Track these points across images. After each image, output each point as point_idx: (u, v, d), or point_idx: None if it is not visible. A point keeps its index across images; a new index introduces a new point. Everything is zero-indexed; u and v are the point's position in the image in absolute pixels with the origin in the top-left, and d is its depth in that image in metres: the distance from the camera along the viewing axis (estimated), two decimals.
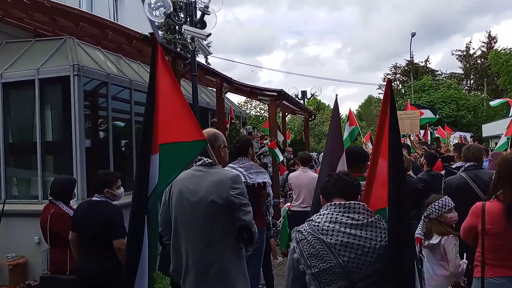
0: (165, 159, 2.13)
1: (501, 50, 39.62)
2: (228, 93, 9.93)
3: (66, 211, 3.98)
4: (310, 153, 14.28)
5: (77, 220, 3.58)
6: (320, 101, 42.34)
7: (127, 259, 2.14)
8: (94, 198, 3.58)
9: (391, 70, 50.05)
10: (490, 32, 48.59)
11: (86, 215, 3.51)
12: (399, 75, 49.41)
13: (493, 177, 2.83)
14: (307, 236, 2.01)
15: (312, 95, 19.14)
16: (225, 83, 8.61)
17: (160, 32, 23.04)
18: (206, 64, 14.80)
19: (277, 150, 8.21)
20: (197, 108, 6.72)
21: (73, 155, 5.98)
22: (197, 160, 2.68)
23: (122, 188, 3.73)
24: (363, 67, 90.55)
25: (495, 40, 46.22)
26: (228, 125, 9.57)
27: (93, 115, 7.05)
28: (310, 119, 16.17)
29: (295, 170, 7.28)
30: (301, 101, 17.14)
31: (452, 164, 5.39)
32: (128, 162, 7.36)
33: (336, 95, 3.30)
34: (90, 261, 3.45)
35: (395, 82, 49.40)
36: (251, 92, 9.83)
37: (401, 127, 8.67)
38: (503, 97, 33.89)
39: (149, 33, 5.75)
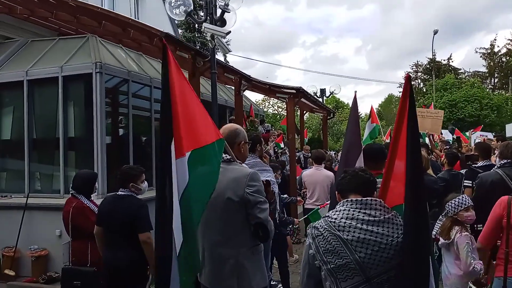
0: (195, 166, 2.16)
1: None
2: (246, 91, 9.96)
3: (87, 204, 4.09)
4: (328, 152, 14.24)
5: (103, 214, 3.67)
6: (339, 99, 42.03)
7: (158, 262, 2.16)
8: (120, 193, 3.66)
9: (412, 68, 49.22)
10: None
11: (112, 209, 3.60)
12: (420, 73, 48.52)
13: None
14: (323, 232, 2.02)
15: (331, 93, 18.94)
16: (243, 81, 8.63)
17: (180, 30, 23.27)
18: (225, 62, 14.88)
19: (281, 144, 8.15)
20: (215, 106, 6.77)
21: (94, 150, 6.12)
22: None
23: (146, 183, 3.81)
24: (384, 65, 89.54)
25: None
26: (246, 122, 9.60)
27: (114, 112, 7.19)
28: (328, 117, 16.06)
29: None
30: (320, 99, 17.00)
31: (476, 163, 5.30)
32: (148, 158, 7.48)
33: (355, 92, 3.28)
34: (117, 253, 3.53)
35: (416, 81, 48.57)
36: (269, 89, 9.82)
37: (422, 125, 8.56)
38: None
39: (160, 36, 5.77)
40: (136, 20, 8.76)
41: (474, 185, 4.85)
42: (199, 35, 23.08)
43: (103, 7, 8.53)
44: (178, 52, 6.60)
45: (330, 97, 23.72)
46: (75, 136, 6.76)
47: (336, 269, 1.96)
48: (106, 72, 6.35)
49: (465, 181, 5.19)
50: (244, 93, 9.60)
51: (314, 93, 17.77)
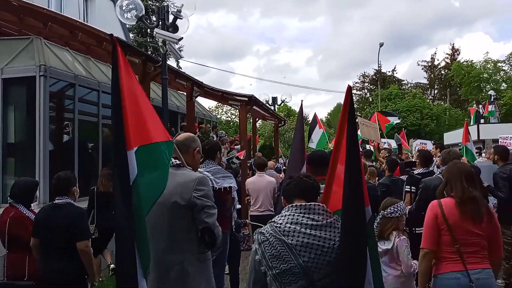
0: (143, 162, 2.13)
1: (463, 62, 41.49)
2: (199, 97, 9.93)
3: (26, 214, 3.87)
4: (280, 158, 14.46)
5: (40, 225, 3.51)
6: (290, 107, 42.81)
7: (119, 256, 2.09)
8: (58, 201, 3.52)
9: (359, 79, 51.23)
10: (453, 44, 50.56)
11: (51, 219, 3.46)
12: (367, 83, 50.62)
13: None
14: (269, 237, 2.06)
15: (283, 101, 19.30)
16: (195, 87, 8.61)
17: (131, 35, 22.74)
18: (177, 68, 14.72)
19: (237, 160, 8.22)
20: (166, 112, 6.70)
21: (36, 157, 5.84)
22: None
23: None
24: (333, 75, 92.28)
25: (458, 52, 48.28)
26: (197, 130, 9.56)
27: (59, 117, 6.90)
28: (280, 125, 16.34)
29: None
30: (272, 107, 17.28)
31: (414, 170, 5.64)
32: (94, 165, 7.22)
33: (302, 101, 3.40)
34: (55, 265, 3.39)
35: (363, 91, 50.64)
36: (222, 96, 9.87)
37: (368, 134, 8.99)
38: (464, 107, 35.49)
39: (109, 34, 5.67)
40: (84, 23, 8.48)
41: (412, 190, 5.20)
42: (151, 40, 22.71)
43: (49, 8, 8.19)
44: (128, 56, 6.47)
45: (282, 105, 24.17)
46: (15, 142, 6.41)
47: (281, 274, 2.00)
48: (51, 76, 6.10)
49: (405, 186, 5.51)
50: (196, 99, 9.56)
51: (266, 101, 18.00)
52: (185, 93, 9.69)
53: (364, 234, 1.93)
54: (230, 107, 35.85)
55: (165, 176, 2.23)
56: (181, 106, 10.95)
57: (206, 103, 45.83)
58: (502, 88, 37.05)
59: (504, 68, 39.15)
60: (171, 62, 21.71)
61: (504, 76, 39.12)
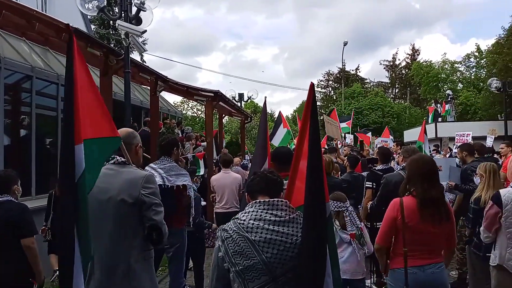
0: (88, 156, 2.08)
1: (422, 62, 43.08)
2: (164, 92, 9.77)
3: None
4: (246, 155, 14.49)
5: None
6: (257, 104, 42.93)
7: (60, 252, 2.05)
8: None
9: (324, 77, 52.15)
10: (414, 45, 52.45)
11: None
12: (331, 81, 51.61)
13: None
14: (232, 234, 2.07)
15: (249, 97, 19.38)
16: (160, 82, 8.44)
17: (93, 27, 21.99)
18: (141, 61, 14.40)
19: (201, 162, 8.14)
20: (129, 106, 6.55)
21: None
22: (110, 158, 2.64)
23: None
24: (299, 73, 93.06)
25: (418, 53, 50.12)
26: (161, 125, 9.40)
27: (15, 110, 6.59)
28: (246, 121, 16.36)
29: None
30: (238, 103, 17.28)
31: (376, 166, 5.83)
32: (52, 161, 6.96)
33: (265, 97, 3.43)
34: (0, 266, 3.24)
35: (328, 89, 51.57)
36: (187, 92, 9.72)
37: (331, 132, 9.22)
38: (423, 105, 36.90)
39: (65, 24, 5.47)
40: (43, 12, 8.10)
41: (373, 186, 5.38)
42: (114, 32, 22.07)
43: None
44: (89, 49, 6.25)
45: (248, 101, 24.22)
46: None
47: (244, 270, 2.01)
48: (6, 67, 5.82)
49: (366, 182, 5.68)
50: (161, 94, 9.40)
51: (232, 97, 18.00)
52: (149, 88, 9.49)
53: (324, 229, 1.97)
54: (195, 103, 35.52)
55: (97, 174, 2.20)
56: (144, 101, 10.74)
57: (171, 98, 45.14)
58: (458, 88, 38.80)
59: (460, 69, 41.03)
60: (135, 55, 21.21)
61: (460, 77, 41.00)
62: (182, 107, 40.08)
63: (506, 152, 6.42)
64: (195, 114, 42.38)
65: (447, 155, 10.96)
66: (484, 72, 34.76)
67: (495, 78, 19.12)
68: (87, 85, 2.17)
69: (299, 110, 62.32)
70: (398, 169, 4.78)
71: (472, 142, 8.81)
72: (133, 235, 2.54)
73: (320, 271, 1.95)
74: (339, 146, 9.86)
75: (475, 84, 37.30)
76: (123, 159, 2.62)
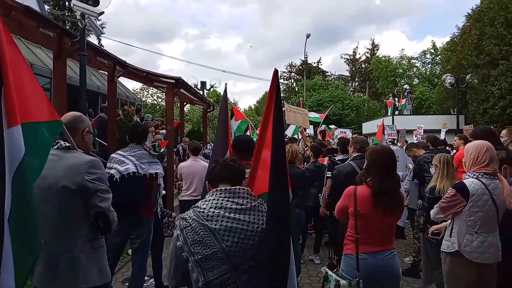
0: (27, 141, 1.90)
1: (381, 57, 44.44)
2: (123, 78, 9.40)
3: None
4: (208, 144, 14.34)
5: None
6: (220, 93, 42.64)
7: None
8: None
9: (286, 69, 52.49)
10: (373, 40, 53.93)
11: None
12: (294, 73, 52.07)
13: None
14: (191, 223, 2.00)
15: (212, 86, 19.14)
16: (118, 67, 8.08)
17: (47, 7, 20.86)
18: (99, 45, 13.80)
19: (164, 151, 7.94)
20: (84, 91, 6.25)
21: None
22: (54, 143, 2.46)
23: None
24: (262, 64, 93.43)
25: (377, 48, 51.57)
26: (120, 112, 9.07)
27: None
28: (209, 110, 16.15)
29: None
30: (201, 92, 17.01)
31: (336, 156, 5.93)
32: None
33: (226, 84, 3.34)
34: None
35: (290, 80, 52.01)
36: (147, 77, 9.37)
37: (296, 120, 9.22)
38: (381, 99, 38.10)
39: (17, 10, 5.09)
40: None
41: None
42: (70, 14, 21.05)
43: None
44: (41, 29, 5.87)
45: (211, 90, 23.95)
46: None
47: (204, 259, 1.96)
48: None
49: (326, 172, 5.76)
50: (120, 80, 9.04)
51: (194, 85, 17.71)
52: (106, 73, 9.10)
53: (289, 216, 1.95)
54: (156, 90, 34.71)
55: (44, 160, 2.03)
56: (102, 87, 10.31)
57: (131, 85, 43.82)
58: (414, 83, 40.39)
59: (416, 64, 42.72)
60: (92, 39, 20.40)
61: (417, 72, 42.70)
62: (142, 94, 39.11)
63: (458, 145, 6.70)
64: (156, 102, 41.48)
65: (404, 147, 11.35)
66: (438, 69, 36.40)
67: (449, 74, 20.03)
68: (20, 67, 1.96)
69: (262, 101, 62.58)
70: (349, 159, 4.87)
71: (424, 135, 9.19)
72: (78, 224, 2.41)
73: (284, 259, 1.92)
74: (306, 134, 9.92)
75: (430, 80, 39.03)
76: (67, 144, 2.47)
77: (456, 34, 26.90)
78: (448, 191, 3.30)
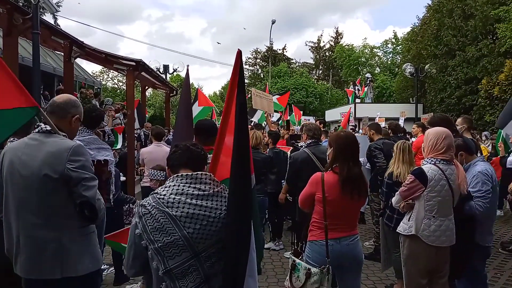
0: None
1: (345, 46, 45.08)
2: (82, 60, 8.97)
3: None
4: (171, 130, 14.07)
5: None
6: (183, 78, 41.91)
7: None
8: None
9: (252, 55, 52.25)
10: (337, 28, 54.56)
11: None
12: (259, 60, 51.92)
13: (327, 153, 3.19)
14: (151, 210, 1.93)
15: (175, 70, 18.74)
16: (75, 47, 7.69)
17: None
18: (54, 25, 13.09)
19: (120, 136, 7.67)
20: (38, 72, 5.91)
21: None
22: (35, 126, 2.35)
23: None
24: (227, 49, 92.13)
25: (341, 36, 52.21)
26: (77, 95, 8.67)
27: None
28: (172, 94, 15.80)
29: None
30: (163, 76, 16.61)
31: (299, 142, 5.98)
32: None
33: (187, 66, 3.25)
34: None
35: (256, 66, 51.86)
36: (106, 59, 8.99)
37: (262, 105, 9.18)
38: (344, 87, 38.79)
39: None
40: None
41: None
42: None
43: None
44: None
45: (174, 75, 23.47)
46: None
47: (164, 247, 1.90)
48: None
49: (289, 158, 5.81)
50: (78, 62, 8.63)
51: (157, 68, 17.27)
52: (63, 54, 8.65)
53: (250, 202, 1.92)
54: (116, 73, 33.60)
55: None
56: (58, 68, 9.81)
57: (90, 67, 42.20)
58: (376, 72, 41.35)
59: (378, 54, 43.67)
60: (48, 18, 19.32)
61: (378, 61, 43.70)
62: (102, 77, 37.73)
63: (416, 132, 6.94)
64: (116, 86, 40.18)
65: (366, 134, 11.66)
66: (399, 58, 37.37)
67: (409, 64, 20.65)
68: None
69: (227, 86, 62.10)
70: (304, 146, 4.94)
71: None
72: (63, 213, 2.28)
73: (245, 245, 1.90)
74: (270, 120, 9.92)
75: (391, 69, 40.07)
76: (47, 128, 2.32)
77: (417, 24, 27.69)
78: (407, 177, 3.39)
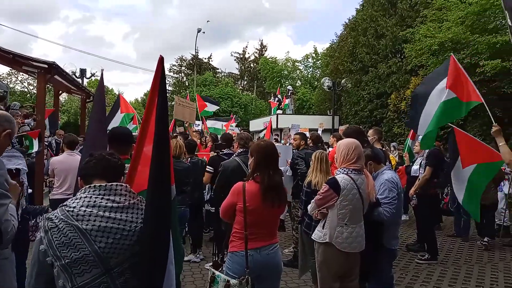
0: None
1: (269, 58, 46.42)
2: None
3: None
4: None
5: None
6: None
7: None
8: None
9: (177, 62, 51.49)
10: (262, 41, 55.95)
11: None
12: (184, 67, 51.32)
13: (248, 162, 3.23)
14: (58, 223, 1.78)
15: (92, 74, 17.75)
16: None
17: None
18: None
19: (35, 141, 7.08)
20: None
21: None
22: None
23: None
24: (151, 55, 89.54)
25: (265, 49, 53.65)
26: None
27: None
28: (88, 100, 14.88)
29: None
30: (80, 80, 15.64)
31: (223, 151, 6.01)
32: None
33: (102, 70, 3.09)
34: None
35: (180, 74, 51.16)
36: (14, 60, 8.19)
37: (182, 115, 9.03)
38: (268, 99, 39.80)
39: None
40: None
41: (210, 170, 5.66)
42: None
43: None
44: None
45: (92, 79, 22.23)
46: None
47: (72, 263, 1.76)
48: None
49: (207, 167, 5.88)
50: None
51: (73, 72, 16.25)
52: None
53: (169, 214, 1.86)
54: (27, 76, 30.97)
55: None
56: None
57: None
58: (297, 84, 43.11)
59: (300, 67, 45.63)
60: None
61: (300, 75, 45.64)
62: (9, 80, 34.50)
63: (332, 142, 7.37)
64: (26, 89, 36.99)
65: (287, 144, 12.03)
66: (318, 72, 39.37)
67: (327, 78, 21.86)
68: None
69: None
70: (235, 155, 5.00)
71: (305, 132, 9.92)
72: None
73: (162, 259, 1.83)
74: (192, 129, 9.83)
75: (311, 83, 42.04)
76: None
77: (335, 41, 29.39)
78: (322, 186, 3.56)
